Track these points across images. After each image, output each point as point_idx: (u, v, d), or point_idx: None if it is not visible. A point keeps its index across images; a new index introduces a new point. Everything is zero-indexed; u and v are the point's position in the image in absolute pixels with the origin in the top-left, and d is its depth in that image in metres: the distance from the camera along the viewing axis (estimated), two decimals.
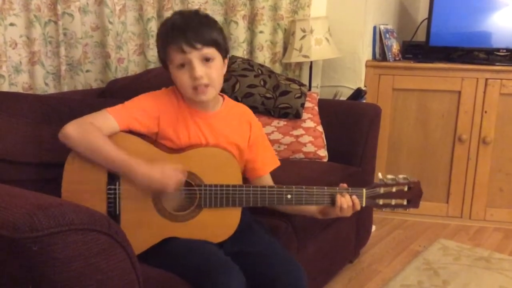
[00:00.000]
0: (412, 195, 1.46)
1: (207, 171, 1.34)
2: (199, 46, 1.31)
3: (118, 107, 1.36)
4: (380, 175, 1.47)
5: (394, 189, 1.45)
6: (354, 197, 1.40)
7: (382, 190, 1.44)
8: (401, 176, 1.46)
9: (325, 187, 1.41)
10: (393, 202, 1.46)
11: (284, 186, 1.39)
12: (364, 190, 1.43)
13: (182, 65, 1.33)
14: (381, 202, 1.45)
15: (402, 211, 1.51)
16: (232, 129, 1.45)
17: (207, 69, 1.33)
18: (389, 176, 1.45)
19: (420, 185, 1.47)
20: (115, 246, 0.99)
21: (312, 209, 1.48)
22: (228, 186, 1.34)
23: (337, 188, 1.42)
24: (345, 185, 1.43)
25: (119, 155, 1.27)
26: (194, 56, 1.31)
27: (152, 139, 1.39)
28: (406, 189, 1.45)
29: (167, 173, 1.27)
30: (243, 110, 1.53)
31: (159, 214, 1.32)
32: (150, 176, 1.26)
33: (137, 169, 1.26)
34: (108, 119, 1.32)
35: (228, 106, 1.48)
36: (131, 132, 1.35)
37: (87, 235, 0.93)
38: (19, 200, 0.95)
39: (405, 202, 1.47)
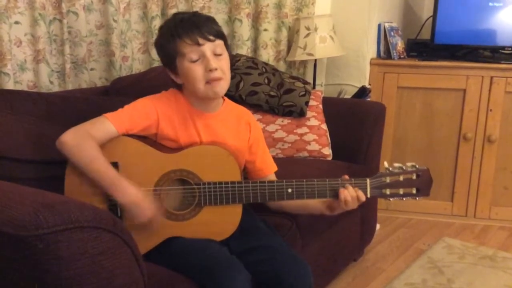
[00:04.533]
0: (422, 183, 1.40)
1: (205, 169, 1.33)
2: (212, 38, 1.33)
3: (117, 112, 1.35)
4: (386, 164, 1.42)
5: (401, 178, 1.39)
6: (357, 189, 1.37)
7: (388, 179, 1.39)
8: (409, 164, 1.40)
9: (327, 179, 1.38)
10: (401, 191, 1.40)
11: (284, 180, 1.37)
12: (368, 180, 1.38)
13: (194, 60, 1.33)
14: (387, 192, 1.39)
15: (415, 207, 1.44)
16: (230, 131, 1.45)
17: (219, 62, 1.34)
18: (396, 165, 1.40)
19: (430, 172, 1.40)
20: (120, 244, 0.99)
21: (318, 205, 1.45)
22: (227, 183, 1.33)
23: (339, 180, 1.38)
24: (346, 176, 1.40)
25: (106, 172, 1.25)
26: (208, 48, 1.33)
27: (152, 140, 1.39)
28: (414, 177, 1.40)
29: (144, 204, 1.25)
30: (243, 111, 1.53)
31: (160, 214, 1.32)
32: (132, 201, 1.24)
33: (121, 191, 1.24)
34: (106, 126, 1.31)
35: (227, 108, 1.48)
36: (129, 134, 1.35)
37: (92, 233, 0.93)
38: (24, 198, 0.95)
39: (414, 191, 1.41)
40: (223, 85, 1.37)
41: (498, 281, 2.14)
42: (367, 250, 2.42)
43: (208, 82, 1.34)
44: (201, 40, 1.32)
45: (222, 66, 1.35)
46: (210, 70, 1.32)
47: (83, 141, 1.27)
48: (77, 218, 0.91)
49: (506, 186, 2.74)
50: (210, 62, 1.32)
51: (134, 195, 1.24)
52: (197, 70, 1.33)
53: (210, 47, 1.33)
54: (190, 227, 1.33)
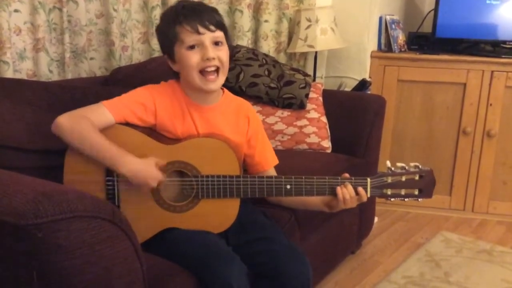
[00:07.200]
0: (424, 184, 1.37)
1: (203, 162, 1.33)
2: (212, 28, 1.32)
3: (114, 100, 1.35)
4: (388, 163, 1.38)
5: (403, 178, 1.36)
6: (360, 188, 1.35)
7: (389, 179, 1.36)
8: (412, 164, 1.37)
9: (326, 177, 1.36)
10: (403, 192, 1.38)
11: (283, 176, 1.36)
12: (369, 180, 1.36)
13: (192, 47, 1.32)
14: (389, 192, 1.37)
15: (413, 201, 1.41)
16: (229, 124, 1.43)
17: (218, 52, 1.33)
18: (399, 164, 1.37)
19: (433, 173, 1.38)
20: (119, 234, 0.99)
21: (317, 202, 1.44)
22: (225, 177, 1.32)
23: (339, 178, 1.36)
24: (347, 175, 1.38)
25: (107, 145, 1.26)
26: (207, 38, 1.32)
27: (151, 130, 1.39)
28: (417, 177, 1.37)
29: (150, 170, 1.26)
30: (242, 104, 1.52)
31: (158, 205, 1.32)
32: (136, 169, 1.25)
33: (124, 160, 1.25)
34: (103, 112, 1.31)
35: (227, 100, 1.47)
36: (127, 123, 1.35)
37: (91, 223, 0.93)
38: (23, 187, 0.95)
39: (416, 192, 1.38)
40: (219, 80, 1.36)
41: (495, 275, 2.15)
42: (365, 243, 2.42)
43: (203, 73, 1.33)
44: (201, 29, 1.31)
45: (220, 56, 1.34)
46: (208, 59, 1.31)
47: (78, 121, 1.27)
48: (76, 207, 0.91)
49: (505, 180, 2.75)
50: (208, 51, 1.31)
51: (137, 164, 1.25)
52: (193, 58, 1.32)
53: (210, 36, 1.32)
54: (187, 219, 1.33)
